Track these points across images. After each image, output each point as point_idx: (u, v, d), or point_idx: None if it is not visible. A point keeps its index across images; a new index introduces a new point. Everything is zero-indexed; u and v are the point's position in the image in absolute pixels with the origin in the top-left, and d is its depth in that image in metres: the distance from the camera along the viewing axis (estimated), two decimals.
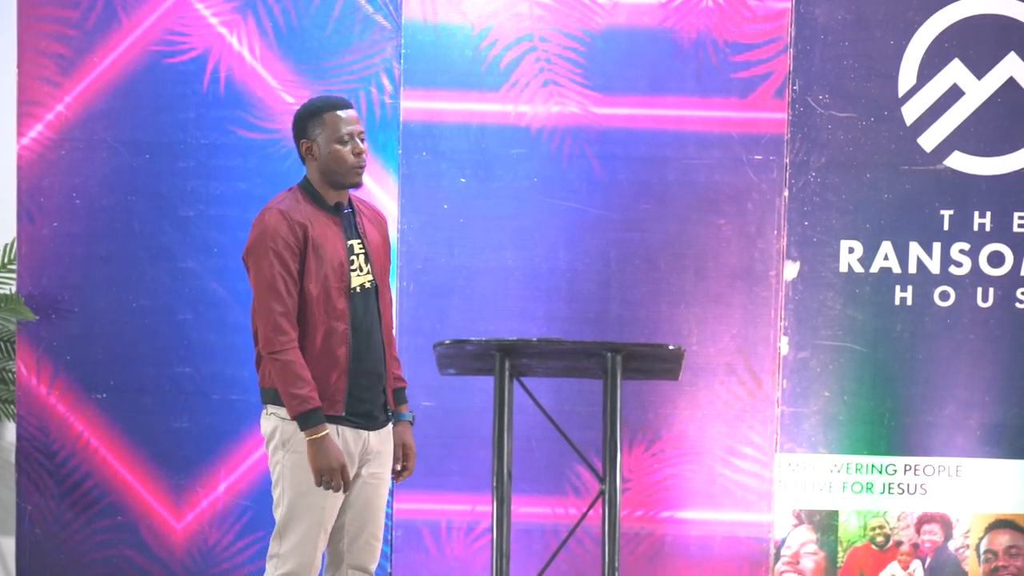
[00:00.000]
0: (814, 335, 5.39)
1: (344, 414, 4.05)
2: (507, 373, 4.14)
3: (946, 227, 5.41)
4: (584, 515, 4.37)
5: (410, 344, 5.25)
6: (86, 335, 5.37)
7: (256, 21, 5.33)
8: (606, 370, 4.14)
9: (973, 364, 5.39)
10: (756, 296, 5.38)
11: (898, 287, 5.41)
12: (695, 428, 5.40)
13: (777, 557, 5.44)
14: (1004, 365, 5.40)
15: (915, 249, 5.41)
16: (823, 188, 5.37)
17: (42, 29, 5.32)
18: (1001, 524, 5.45)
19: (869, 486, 5.43)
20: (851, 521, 5.45)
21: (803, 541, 5.45)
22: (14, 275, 5.46)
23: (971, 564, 5.45)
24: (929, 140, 5.38)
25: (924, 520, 5.45)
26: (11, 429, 5.62)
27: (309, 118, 4.10)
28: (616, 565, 4.11)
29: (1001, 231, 5.40)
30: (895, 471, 5.43)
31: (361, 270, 4.11)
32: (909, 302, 5.41)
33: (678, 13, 5.33)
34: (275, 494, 4.10)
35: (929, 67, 5.37)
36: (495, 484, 4.12)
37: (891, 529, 5.45)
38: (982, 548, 5.45)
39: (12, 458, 5.54)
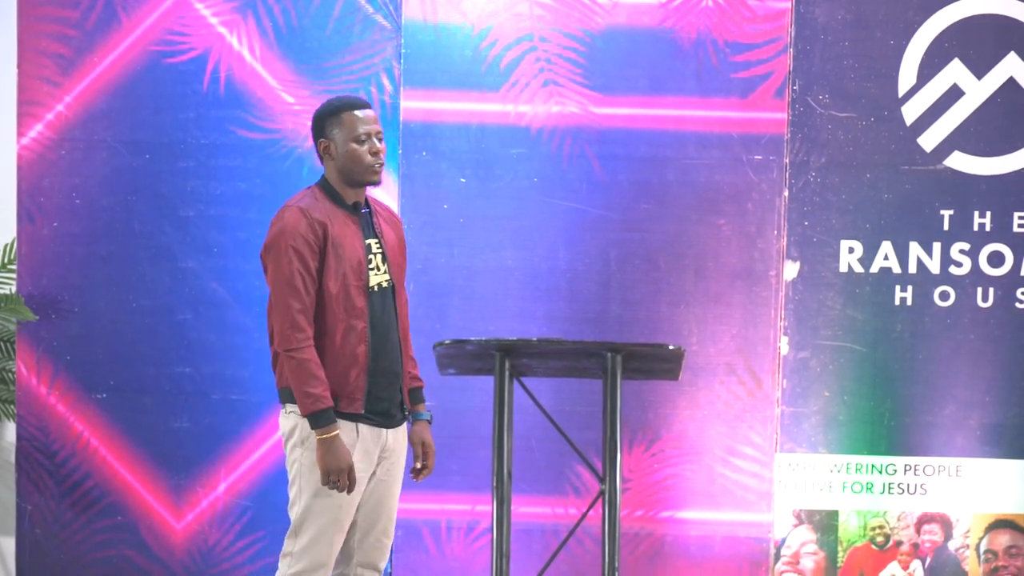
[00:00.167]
0: (814, 335, 5.39)
1: (363, 412, 4.07)
2: (507, 373, 4.15)
3: (946, 227, 5.41)
4: (584, 515, 4.37)
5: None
6: (86, 335, 5.37)
7: (256, 21, 5.33)
8: (606, 370, 4.14)
9: (973, 364, 5.39)
10: (756, 296, 5.38)
11: (898, 287, 5.41)
12: (695, 428, 5.40)
13: (777, 557, 5.44)
14: (1004, 365, 5.40)
15: (915, 249, 5.41)
16: (823, 188, 5.37)
17: (42, 29, 5.32)
18: (1001, 524, 5.45)
19: (869, 486, 5.43)
20: (851, 521, 5.45)
21: (803, 541, 5.45)
22: (14, 275, 5.46)
23: (971, 564, 5.45)
24: (929, 140, 5.38)
25: (924, 520, 5.45)
26: (11, 429, 5.62)
27: (327, 117, 4.13)
28: (616, 565, 4.11)
29: (1001, 231, 5.40)
30: (895, 471, 5.43)
31: (378, 269, 4.13)
32: (909, 302, 5.41)
33: (678, 13, 5.33)
34: (291, 492, 4.12)
35: (929, 67, 5.37)
36: (495, 484, 4.12)
37: (891, 529, 5.45)
38: (982, 548, 5.45)
39: (12, 458, 5.54)
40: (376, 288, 4.12)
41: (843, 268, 5.40)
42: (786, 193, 5.37)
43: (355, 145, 4.10)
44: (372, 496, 4.17)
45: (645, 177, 5.36)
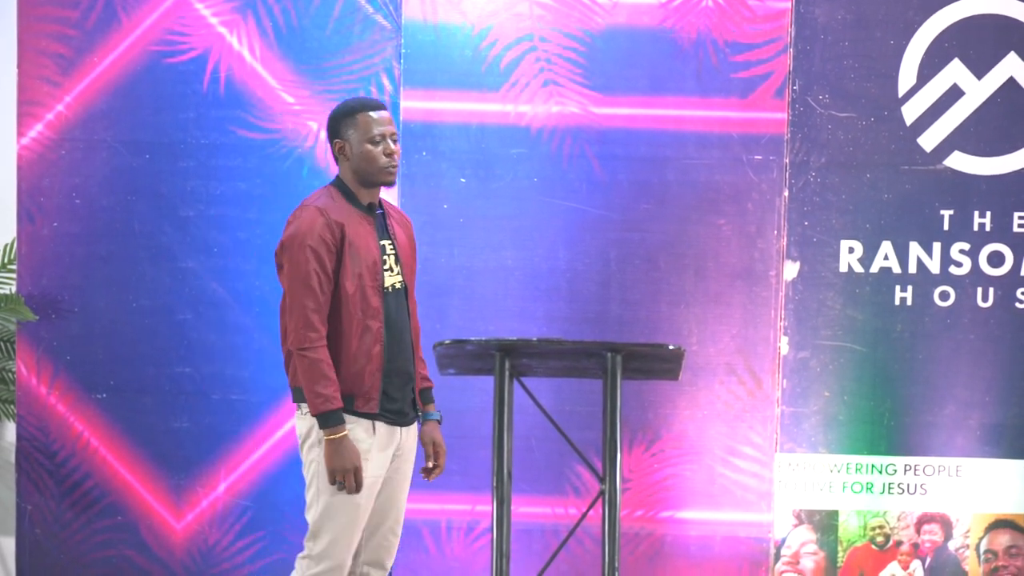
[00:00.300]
0: (814, 335, 5.39)
1: (378, 411, 4.09)
2: (507, 373, 4.15)
3: (946, 227, 5.41)
4: (584, 515, 4.37)
5: None
6: (86, 335, 5.37)
7: (256, 21, 5.33)
8: (606, 370, 4.14)
9: (973, 364, 5.39)
10: (756, 296, 5.38)
11: (898, 287, 5.41)
12: (695, 428, 5.40)
13: (777, 557, 5.44)
14: (1004, 365, 5.40)
15: (915, 249, 5.41)
16: (823, 188, 5.37)
17: (42, 29, 5.32)
18: (1001, 524, 5.45)
19: (869, 486, 5.43)
20: (851, 521, 5.45)
21: (803, 541, 5.45)
22: (14, 275, 5.46)
23: (971, 564, 5.45)
24: (929, 140, 5.38)
25: (924, 520, 5.45)
26: (11, 429, 5.62)
27: (343, 118, 4.15)
28: (616, 565, 4.11)
29: (1001, 231, 5.40)
30: (895, 471, 5.43)
31: (392, 270, 4.16)
32: (909, 302, 5.41)
33: (678, 13, 5.33)
34: (308, 495, 4.12)
35: (929, 67, 5.37)
36: (495, 484, 4.12)
37: (891, 529, 5.45)
38: (982, 548, 5.45)
39: (12, 458, 5.54)
40: (390, 289, 4.14)
41: (843, 268, 5.40)
42: (786, 193, 5.37)
43: (370, 146, 4.11)
44: (382, 494, 4.19)
45: (645, 177, 5.36)
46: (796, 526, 5.45)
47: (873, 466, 5.43)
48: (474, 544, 5.41)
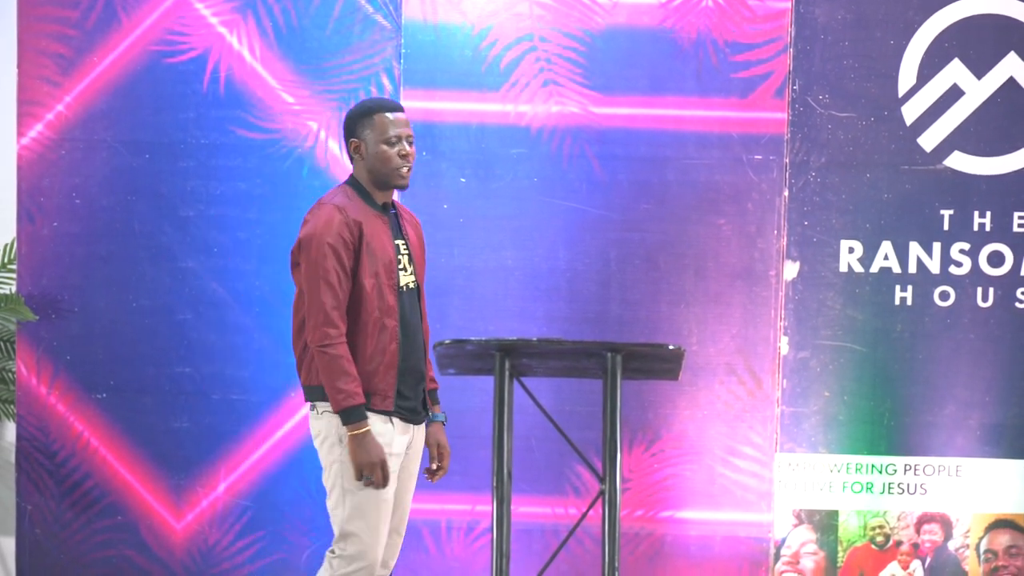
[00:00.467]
0: (814, 335, 5.39)
1: (393, 409, 4.10)
2: (507, 373, 4.15)
3: (946, 227, 5.40)
4: (584, 515, 4.37)
5: None
6: (86, 335, 5.37)
7: (256, 21, 5.33)
8: (606, 370, 4.14)
9: (973, 364, 5.39)
10: (756, 296, 5.38)
11: (898, 287, 5.41)
12: (695, 428, 5.40)
13: (777, 557, 5.44)
14: (1004, 365, 5.40)
15: (915, 249, 5.41)
16: (823, 188, 5.37)
17: (42, 29, 5.32)
18: (1001, 524, 5.45)
19: (869, 486, 5.43)
20: (851, 521, 5.45)
21: (803, 541, 5.45)
22: (14, 275, 5.46)
23: (971, 564, 5.45)
24: (929, 140, 5.38)
25: (924, 520, 5.45)
26: (11, 429, 5.62)
27: (359, 118, 4.16)
28: (616, 565, 4.10)
29: (1001, 231, 5.40)
30: (895, 471, 5.43)
31: (406, 270, 4.17)
32: (909, 302, 5.41)
33: (678, 13, 5.33)
34: (332, 498, 4.09)
35: (929, 67, 5.37)
36: (495, 484, 4.12)
37: (891, 529, 5.45)
38: (982, 548, 5.45)
39: (12, 458, 5.54)
40: (405, 288, 4.16)
41: (843, 268, 5.40)
42: (786, 193, 5.37)
43: (385, 147, 4.12)
44: None
45: (645, 177, 5.36)
46: (796, 526, 5.45)
47: (873, 466, 5.43)
48: (474, 544, 5.41)
